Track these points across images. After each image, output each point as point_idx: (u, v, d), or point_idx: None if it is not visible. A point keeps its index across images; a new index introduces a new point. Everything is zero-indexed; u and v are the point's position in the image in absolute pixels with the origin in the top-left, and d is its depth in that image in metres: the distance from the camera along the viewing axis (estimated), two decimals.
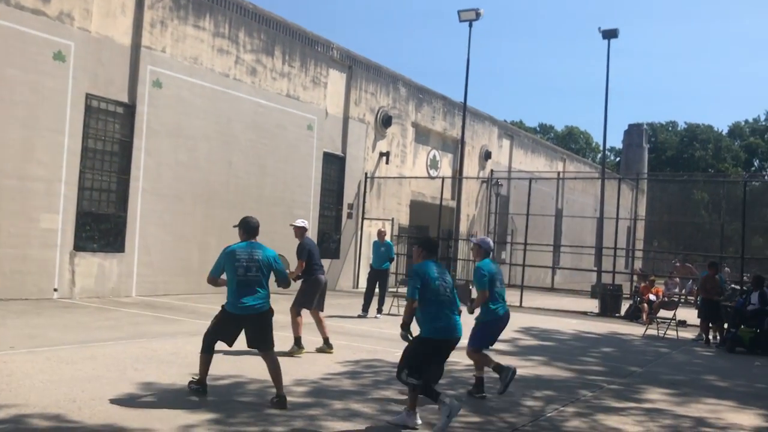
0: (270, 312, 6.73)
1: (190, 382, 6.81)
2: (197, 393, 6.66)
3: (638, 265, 31.52)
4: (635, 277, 24.03)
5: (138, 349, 8.94)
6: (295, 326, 9.46)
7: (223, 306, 6.74)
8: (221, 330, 6.70)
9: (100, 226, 14.86)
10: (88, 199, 14.60)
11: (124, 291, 14.98)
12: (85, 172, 14.45)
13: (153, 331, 10.50)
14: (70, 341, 9.12)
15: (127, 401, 6.30)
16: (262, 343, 6.65)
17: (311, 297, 9.78)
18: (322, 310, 9.97)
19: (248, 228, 6.92)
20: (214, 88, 17.11)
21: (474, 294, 8.40)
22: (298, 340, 9.38)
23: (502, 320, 7.73)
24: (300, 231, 10.08)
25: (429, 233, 25.83)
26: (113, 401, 6.24)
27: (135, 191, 15.29)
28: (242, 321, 6.62)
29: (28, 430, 5.32)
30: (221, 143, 17.38)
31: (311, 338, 9.92)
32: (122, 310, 12.79)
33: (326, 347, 9.68)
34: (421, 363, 6.06)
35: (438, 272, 6.38)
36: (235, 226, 7.03)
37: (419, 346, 6.17)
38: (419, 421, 6.12)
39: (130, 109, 15.25)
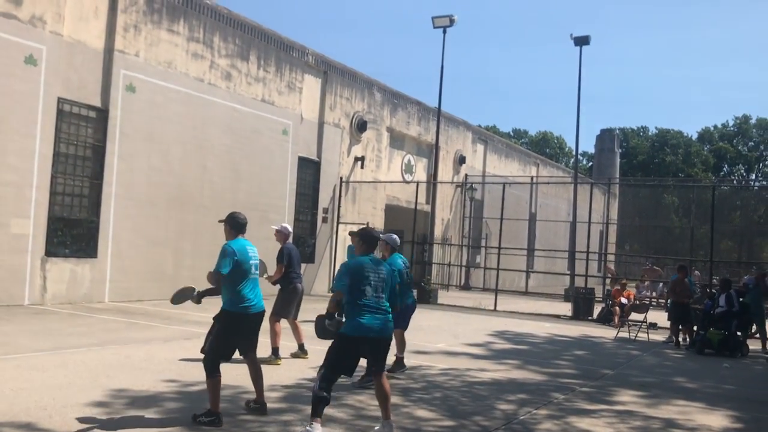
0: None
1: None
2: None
3: (611, 266, 31.96)
4: (608, 276, 24.30)
5: (111, 356, 8.86)
6: (274, 336, 9.37)
7: (227, 310, 6.23)
8: (237, 338, 6.29)
9: (72, 232, 14.69)
10: (60, 204, 14.44)
11: (97, 297, 14.82)
12: (56, 176, 14.29)
13: (126, 338, 10.41)
14: (41, 348, 9.02)
15: (100, 409, 6.25)
16: (253, 346, 6.46)
17: (290, 306, 9.71)
18: (296, 318, 9.91)
19: (239, 224, 6.48)
20: (189, 92, 17.02)
21: None
22: (275, 350, 9.30)
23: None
24: (280, 236, 9.92)
25: (403, 237, 25.92)
26: (85, 409, 6.19)
27: (108, 196, 15.15)
28: (253, 322, 6.35)
29: None
30: (196, 148, 17.29)
31: (286, 343, 9.91)
32: (95, 316, 12.66)
33: (301, 353, 9.69)
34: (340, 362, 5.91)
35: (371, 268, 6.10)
36: (221, 221, 6.60)
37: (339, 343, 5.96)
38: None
39: (103, 113, 15.12)
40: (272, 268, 9.27)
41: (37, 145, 13.71)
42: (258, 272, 6.50)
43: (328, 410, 6.71)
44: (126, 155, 15.48)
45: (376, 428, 6.01)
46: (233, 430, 5.88)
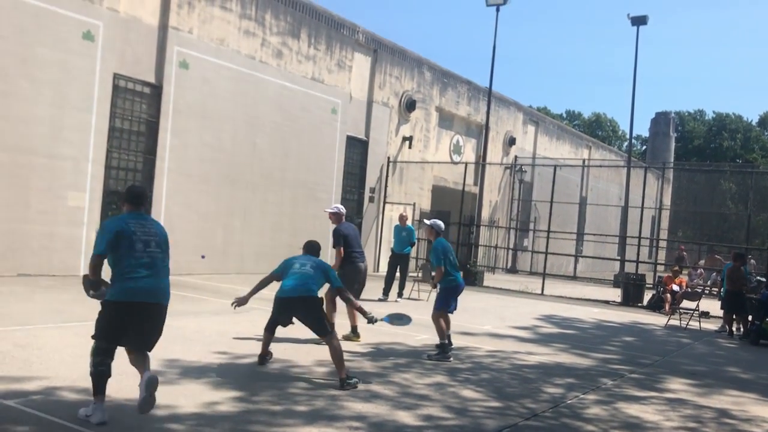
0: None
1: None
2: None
3: (662, 256, 31.27)
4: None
5: (165, 328, 9.05)
6: (329, 312, 9.21)
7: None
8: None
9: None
10: (115, 178, 14.78)
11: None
12: (111, 151, 14.62)
13: (177, 310, 10.56)
14: (96, 317, 9.25)
15: None
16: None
17: (350, 285, 9.54)
18: (358, 299, 9.71)
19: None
20: (240, 70, 17.17)
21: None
22: (354, 328, 9.27)
23: (460, 287, 9.07)
24: (336, 217, 9.82)
25: (450, 219, 25.81)
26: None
27: (161, 171, 15.44)
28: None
29: (58, 401, 5.45)
30: (246, 125, 17.47)
31: (340, 321, 9.97)
32: None
33: (353, 335, 9.43)
34: None
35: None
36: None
37: None
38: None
39: (156, 89, 15.37)
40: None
41: (94, 120, 14.03)
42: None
43: (374, 387, 6.76)
44: (179, 131, 15.73)
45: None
46: (282, 402, 5.96)
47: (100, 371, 5.11)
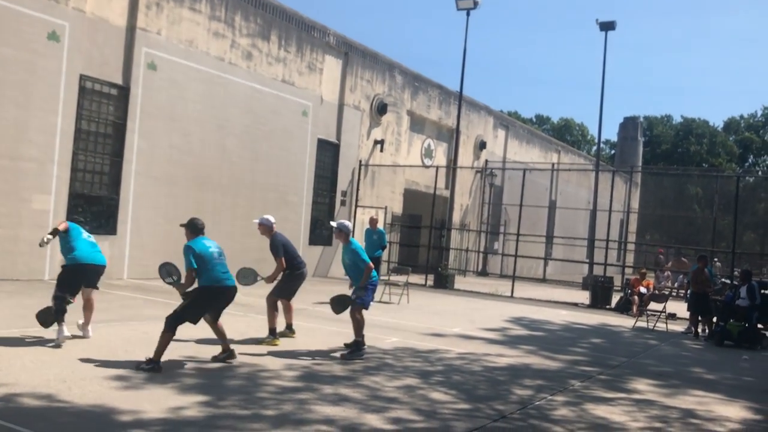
0: None
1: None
2: None
3: (630, 259, 31.61)
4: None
5: (129, 332, 8.94)
6: (272, 317, 9.23)
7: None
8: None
9: (92, 208, 14.79)
10: (81, 181, 14.54)
11: (116, 273, 14.93)
12: (78, 153, 14.38)
13: (144, 314, 10.49)
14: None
15: (118, 382, 6.30)
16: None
17: (293, 289, 9.60)
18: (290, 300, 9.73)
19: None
20: (210, 71, 17.02)
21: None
22: (273, 330, 9.19)
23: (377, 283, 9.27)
24: (264, 228, 9.63)
25: (421, 222, 25.87)
26: (104, 382, 6.24)
27: (128, 174, 15.23)
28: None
29: (19, 408, 5.32)
30: (215, 127, 17.31)
31: (295, 323, 9.93)
32: (114, 292, 12.76)
33: (288, 332, 9.55)
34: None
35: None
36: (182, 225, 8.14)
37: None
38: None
39: (124, 91, 15.16)
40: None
41: (59, 122, 13.79)
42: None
43: (343, 390, 6.73)
44: (146, 133, 15.53)
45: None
46: (250, 407, 5.90)
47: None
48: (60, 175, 13.86)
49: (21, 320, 8.99)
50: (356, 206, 22.72)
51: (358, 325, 8.66)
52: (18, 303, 10.46)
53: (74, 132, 14.17)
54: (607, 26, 25.82)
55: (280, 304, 9.54)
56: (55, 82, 13.66)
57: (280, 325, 9.50)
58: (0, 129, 12.82)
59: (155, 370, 6.82)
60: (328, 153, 21.69)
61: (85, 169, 14.64)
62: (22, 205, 13.21)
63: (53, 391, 5.81)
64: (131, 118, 15.22)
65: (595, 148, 59.33)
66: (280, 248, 9.45)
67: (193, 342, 8.49)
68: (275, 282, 9.43)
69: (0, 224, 12.87)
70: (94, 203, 14.86)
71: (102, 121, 14.88)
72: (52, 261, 13.75)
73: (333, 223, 9.35)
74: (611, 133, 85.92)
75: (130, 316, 10.26)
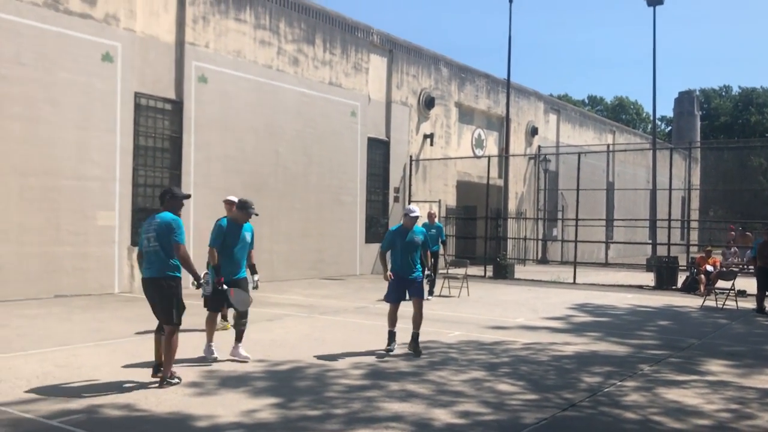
0: None
1: None
2: None
3: (695, 237, 30.72)
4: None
5: (199, 339, 9.17)
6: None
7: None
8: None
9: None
10: (142, 195, 15.00)
11: (183, 282, 15.30)
12: (137, 169, 14.83)
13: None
14: (132, 334, 9.43)
15: (193, 389, 6.50)
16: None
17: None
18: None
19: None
20: (258, 80, 17.31)
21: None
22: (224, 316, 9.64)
23: None
24: (228, 206, 9.37)
25: (476, 213, 25.74)
26: (178, 389, 6.44)
27: (187, 185, 15.61)
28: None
29: (101, 419, 5.55)
30: (268, 134, 17.61)
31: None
32: None
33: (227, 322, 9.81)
34: None
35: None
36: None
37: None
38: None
39: (177, 105, 15.56)
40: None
41: (118, 140, 14.25)
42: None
43: (410, 386, 6.78)
44: (202, 145, 15.91)
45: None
46: (320, 407, 6.01)
47: None
48: (122, 191, 14.32)
49: (96, 334, 9.35)
50: (409, 201, 22.74)
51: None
52: (91, 317, 10.87)
53: (133, 149, 14.63)
54: (654, 0, 25.17)
55: None
56: (111, 101, 14.12)
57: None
58: (63, 150, 13.33)
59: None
60: (378, 151, 21.79)
61: (146, 184, 15.08)
62: (87, 222, 13.71)
63: (132, 400, 6.04)
64: (186, 131, 15.61)
65: (650, 126, 57.83)
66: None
67: (263, 343, 8.68)
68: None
69: (68, 242, 13.39)
70: None
71: (158, 136, 15.31)
72: (120, 275, 14.24)
73: (413, 212, 8.72)
74: (667, 109, 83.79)
75: (198, 323, 10.53)
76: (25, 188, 12.77)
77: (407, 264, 8.62)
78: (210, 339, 7.83)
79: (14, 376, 6.80)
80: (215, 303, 7.85)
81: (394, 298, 8.69)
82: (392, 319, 8.70)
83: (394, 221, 22.32)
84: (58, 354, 7.98)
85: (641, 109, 77.87)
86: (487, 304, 14.09)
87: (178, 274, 6.72)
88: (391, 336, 8.61)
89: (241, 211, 7.93)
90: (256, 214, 8.04)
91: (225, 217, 8.60)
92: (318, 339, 9.43)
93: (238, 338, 7.83)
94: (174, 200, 6.86)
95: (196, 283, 6.99)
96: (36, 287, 12.86)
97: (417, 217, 8.80)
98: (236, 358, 7.71)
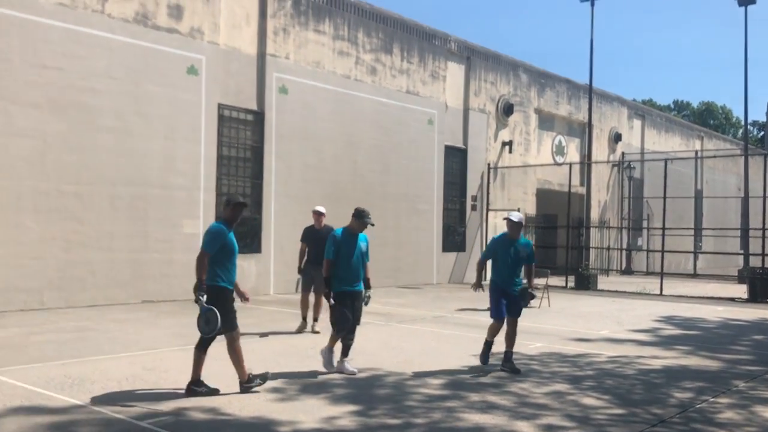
0: None
1: None
2: None
3: None
4: None
5: (279, 345, 9.31)
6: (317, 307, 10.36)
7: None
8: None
9: (238, 229, 15.38)
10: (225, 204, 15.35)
11: (263, 289, 15.65)
12: (221, 178, 15.23)
13: (292, 327, 10.88)
14: (216, 339, 9.61)
15: (274, 394, 6.57)
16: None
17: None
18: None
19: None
20: (337, 90, 17.52)
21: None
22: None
23: None
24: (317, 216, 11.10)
25: (557, 222, 25.20)
26: (260, 395, 6.53)
27: (268, 194, 15.94)
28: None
29: (188, 421, 5.68)
30: (346, 144, 17.78)
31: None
32: (262, 308, 13.37)
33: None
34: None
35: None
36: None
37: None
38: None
39: (259, 116, 15.91)
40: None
41: (203, 150, 14.68)
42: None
43: (490, 397, 6.65)
44: (282, 155, 16.20)
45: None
46: (400, 416, 5.96)
47: None
48: (206, 200, 14.73)
49: (181, 338, 9.59)
50: (487, 210, 22.49)
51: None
52: (177, 322, 11.18)
53: (216, 158, 15.03)
54: (746, 0, 24.11)
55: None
56: (196, 113, 14.57)
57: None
58: (151, 160, 13.83)
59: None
60: (455, 159, 21.66)
61: (229, 193, 15.44)
62: (174, 230, 14.16)
63: (216, 404, 6.15)
64: (267, 141, 15.94)
65: (741, 131, 55.40)
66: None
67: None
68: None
69: (155, 249, 13.86)
70: (240, 224, 15.40)
71: (241, 146, 15.69)
72: None
73: (514, 217, 8.13)
74: (759, 113, 79.80)
75: (279, 329, 10.69)
76: (115, 197, 13.31)
77: (509, 277, 8.05)
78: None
79: (106, 378, 7.05)
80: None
81: (502, 313, 8.09)
82: (493, 333, 8.17)
83: (472, 230, 22.14)
84: (146, 357, 8.24)
85: (730, 114, 74.62)
86: (569, 316, 13.74)
87: (222, 284, 6.64)
88: (487, 346, 8.15)
89: (358, 220, 7.80)
90: (372, 224, 7.86)
91: (339, 227, 8.19)
92: (396, 347, 9.39)
93: (345, 353, 7.68)
94: (226, 208, 7.00)
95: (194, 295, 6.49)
96: (125, 292, 13.37)
97: (521, 224, 8.14)
98: (344, 372, 7.52)
